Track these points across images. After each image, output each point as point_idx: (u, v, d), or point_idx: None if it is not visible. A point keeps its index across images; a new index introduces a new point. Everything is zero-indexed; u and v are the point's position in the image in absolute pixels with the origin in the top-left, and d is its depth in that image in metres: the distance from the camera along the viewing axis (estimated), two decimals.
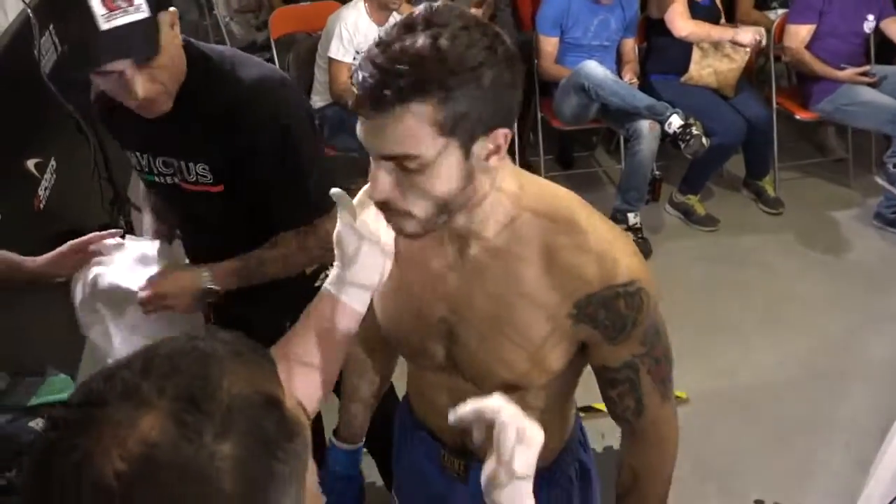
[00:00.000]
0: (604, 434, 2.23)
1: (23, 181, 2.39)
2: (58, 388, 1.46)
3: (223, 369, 0.50)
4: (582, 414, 1.26)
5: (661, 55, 3.37)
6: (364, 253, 0.95)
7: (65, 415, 0.49)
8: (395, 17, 3.17)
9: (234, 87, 1.31)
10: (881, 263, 3.16)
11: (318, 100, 3.14)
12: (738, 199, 3.58)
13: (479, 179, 0.88)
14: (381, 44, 0.80)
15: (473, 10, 3.07)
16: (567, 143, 3.81)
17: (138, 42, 1.17)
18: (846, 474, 2.14)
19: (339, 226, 0.96)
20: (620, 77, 3.24)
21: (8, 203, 2.20)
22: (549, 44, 3.25)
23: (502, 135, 0.86)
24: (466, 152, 0.85)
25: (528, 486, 0.81)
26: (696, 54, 3.28)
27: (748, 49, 3.25)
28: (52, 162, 2.55)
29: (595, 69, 3.04)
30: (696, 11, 3.27)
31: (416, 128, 0.80)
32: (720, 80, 3.29)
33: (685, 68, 3.31)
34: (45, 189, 2.49)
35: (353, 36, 3.01)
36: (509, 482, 0.80)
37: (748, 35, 3.19)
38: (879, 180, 3.32)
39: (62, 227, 2.70)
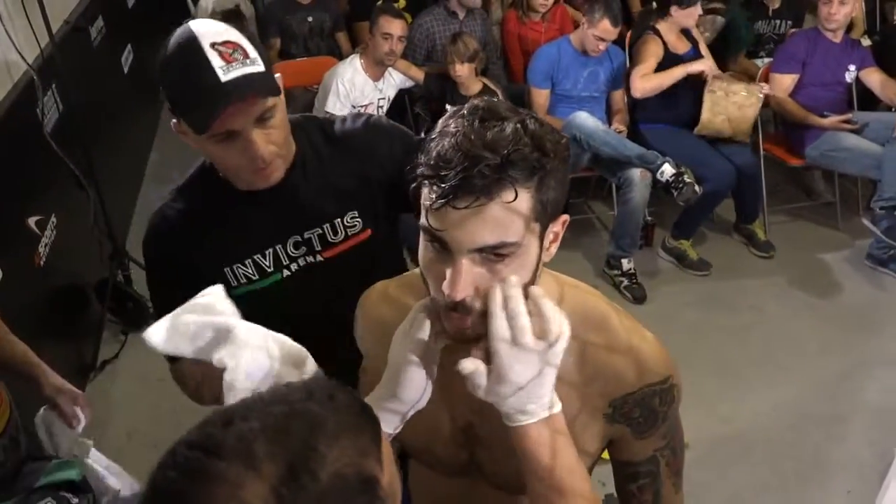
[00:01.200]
0: (604, 482, 2.24)
1: (24, 238, 2.42)
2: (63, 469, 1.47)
3: (330, 442, 0.53)
4: None
5: (650, 105, 3.45)
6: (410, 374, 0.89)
7: (186, 455, 0.52)
8: (389, 73, 3.26)
9: (353, 128, 1.34)
10: (872, 306, 3.20)
11: None
12: (730, 244, 3.63)
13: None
14: (466, 133, 0.77)
15: (466, 65, 3.15)
16: None
17: (259, 85, 1.14)
18: None
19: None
20: (610, 127, 3.32)
21: (9, 260, 2.22)
22: (541, 96, 3.34)
23: (562, 221, 0.86)
24: (542, 238, 0.84)
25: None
26: (707, 102, 3.32)
27: (761, 95, 3.33)
28: (53, 219, 2.59)
29: (586, 120, 3.12)
30: (674, 62, 3.35)
31: (516, 214, 0.78)
32: (734, 127, 3.33)
33: (674, 117, 3.39)
34: (45, 245, 2.52)
35: (349, 91, 3.09)
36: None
37: (702, 65, 3.29)
38: (866, 222, 3.38)
39: (61, 283, 2.73)
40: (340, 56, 3.59)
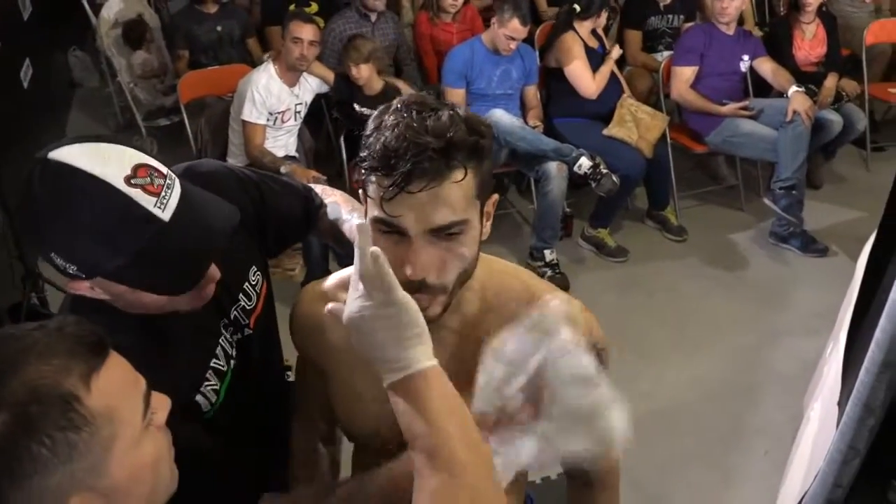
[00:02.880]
0: None
1: None
2: None
3: (29, 360, 0.61)
4: None
5: (562, 100, 3.58)
6: None
7: None
8: (305, 78, 3.25)
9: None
10: (777, 280, 3.41)
11: (233, 161, 3.16)
12: (645, 230, 3.80)
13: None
14: (408, 123, 0.82)
15: (363, 66, 3.18)
16: None
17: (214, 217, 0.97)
18: (766, 477, 2.28)
19: None
20: (526, 122, 3.42)
21: None
22: (457, 95, 3.40)
23: (493, 200, 0.93)
24: (482, 216, 0.91)
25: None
26: (616, 116, 3.49)
27: (667, 117, 3.55)
28: None
29: (502, 117, 3.20)
30: (590, 59, 3.50)
31: (464, 193, 0.85)
32: (640, 144, 3.47)
33: (586, 111, 3.52)
34: None
35: (265, 98, 3.06)
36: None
37: (616, 52, 3.55)
38: (767, 202, 3.59)
39: None
40: (253, 63, 3.55)
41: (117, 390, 0.66)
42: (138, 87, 4.42)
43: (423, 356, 0.80)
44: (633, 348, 2.92)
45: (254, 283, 1.21)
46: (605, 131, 3.45)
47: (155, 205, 0.88)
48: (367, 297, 0.81)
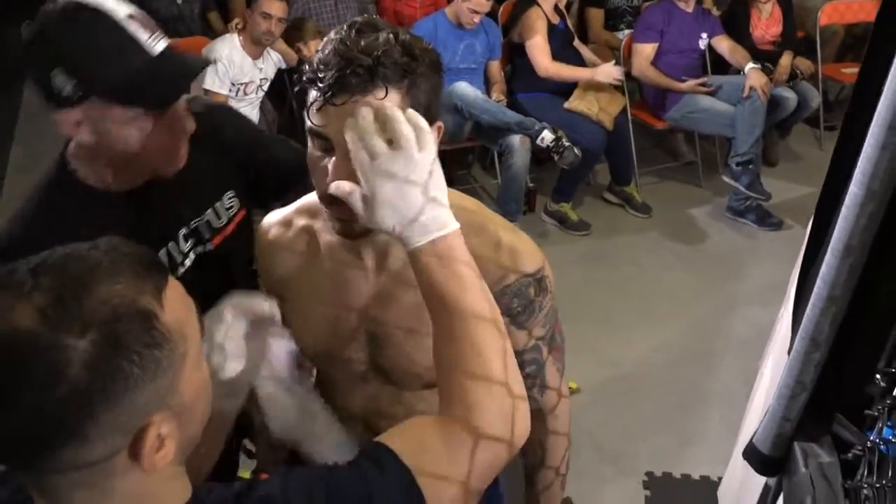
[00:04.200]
0: None
1: None
2: None
3: (101, 278, 0.60)
4: None
5: (526, 75, 3.61)
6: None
7: None
8: (268, 52, 3.23)
9: (200, 112, 1.21)
10: (734, 252, 3.50)
11: None
12: (607, 205, 3.86)
13: None
14: (343, 40, 0.85)
15: (312, 43, 3.18)
16: (444, 162, 3.95)
17: (193, 59, 1.14)
18: (721, 441, 2.36)
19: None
20: (489, 96, 3.44)
21: None
22: None
23: (437, 128, 0.93)
24: None
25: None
26: (577, 90, 3.53)
27: (625, 98, 3.58)
28: None
29: (466, 89, 3.22)
30: (553, 35, 3.54)
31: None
32: (601, 116, 3.50)
33: (549, 86, 3.56)
34: None
35: (228, 69, 3.04)
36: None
37: (606, 75, 3.50)
38: (725, 178, 3.68)
39: None
40: (214, 38, 3.50)
41: (183, 308, 0.66)
42: None
43: (451, 218, 0.83)
44: (598, 318, 2.97)
45: (228, 206, 1.30)
46: (566, 104, 3.49)
47: (149, 38, 1.05)
48: (393, 160, 0.80)
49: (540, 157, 3.60)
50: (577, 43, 3.79)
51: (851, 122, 1.04)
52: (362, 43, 0.85)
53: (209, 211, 1.27)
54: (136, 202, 1.16)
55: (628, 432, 2.50)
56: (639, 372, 2.77)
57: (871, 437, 1.00)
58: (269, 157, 1.37)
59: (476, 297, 0.81)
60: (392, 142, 0.81)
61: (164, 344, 0.61)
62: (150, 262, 0.64)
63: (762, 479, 1.65)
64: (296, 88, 3.58)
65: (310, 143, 0.92)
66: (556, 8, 3.64)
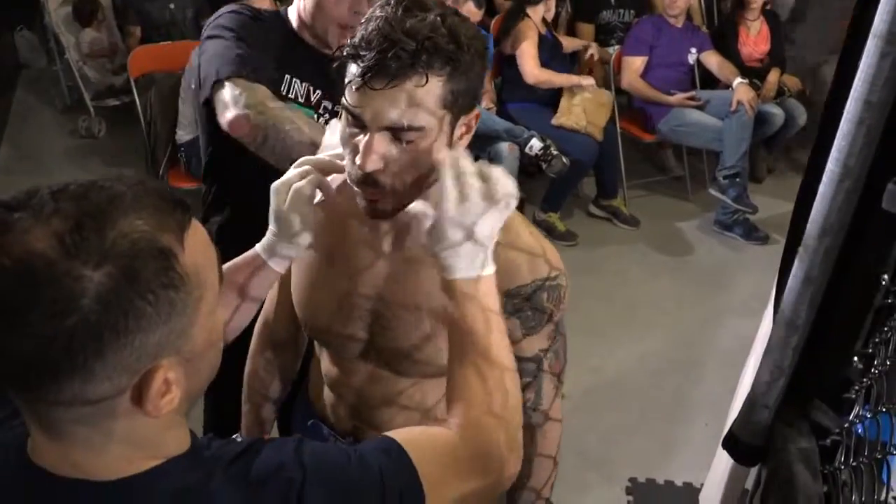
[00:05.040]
0: None
1: None
2: None
3: (123, 211, 0.58)
4: None
5: (516, 86, 3.63)
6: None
7: None
8: None
9: None
10: (721, 265, 3.51)
11: (183, 134, 3.13)
12: (594, 218, 3.87)
13: None
14: (388, 19, 0.83)
15: None
16: None
17: None
18: (705, 448, 2.34)
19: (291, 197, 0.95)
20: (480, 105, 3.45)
21: None
22: None
23: (475, 115, 0.92)
24: (453, 129, 0.89)
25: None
26: (564, 101, 3.54)
27: (611, 94, 3.62)
28: None
29: None
30: (543, 45, 3.56)
31: (426, 99, 0.84)
32: (590, 129, 3.52)
33: (539, 97, 3.58)
34: None
35: None
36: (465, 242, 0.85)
37: (590, 81, 3.54)
38: (713, 191, 3.70)
39: None
40: None
41: (203, 251, 0.64)
42: (87, 65, 4.33)
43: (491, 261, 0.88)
44: (584, 327, 2.95)
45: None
46: (554, 121, 3.50)
47: None
48: (477, 209, 0.84)
49: (530, 170, 3.62)
50: (561, 37, 3.82)
51: (833, 108, 1.05)
52: (408, 24, 0.83)
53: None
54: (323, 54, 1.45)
55: (612, 439, 2.48)
56: (623, 380, 2.76)
57: (849, 419, 1.00)
58: None
59: (501, 343, 0.86)
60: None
61: (180, 286, 0.59)
62: (174, 202, 0.62)
63: (742, 483, 1.64)
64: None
65: (343, 118, 0.90)
66: (544, 20, 3.67)
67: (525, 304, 1.00)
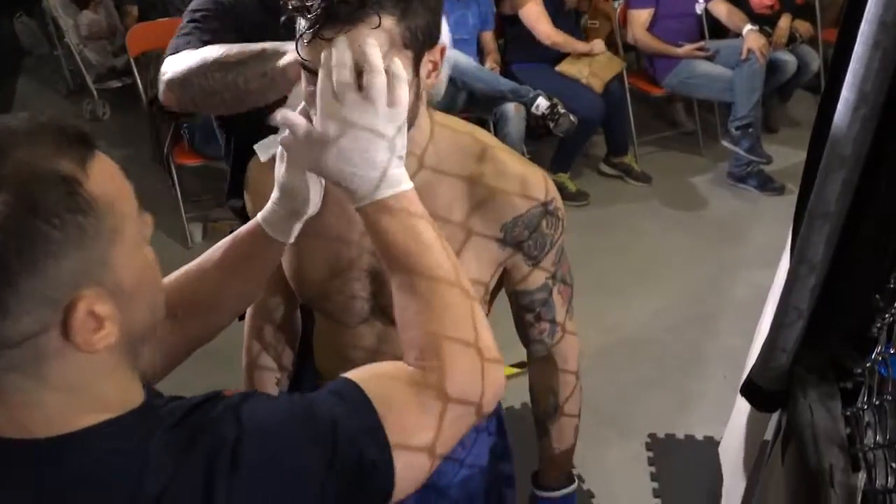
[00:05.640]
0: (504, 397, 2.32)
1: None
2: None
3: (17, 143, 0.57)
4: (517, 370, 1.29)
5: (520, 45, 3.55)
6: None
7: None
8: None
9: None
10: (735, 217, 3.45)
11: None
12: (604, 177, 3.81)
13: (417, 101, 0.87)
14: None
15: None
16: None
17: None
18: (724, 400, 2.32)
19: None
20: (483, 66, 3.39)
21: None
22: None
23: (440, 49, 0.87)
24: (416, 68, 0.84)
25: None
26: (571, 55, 3.48)
27: (623, 62, 3.56)
28: None
29: (459, 58, 3.17)
30: (547, 2, 3.48)
31: (386, 41, 0.78)
32: (591, 80, 3.45)
33: (544, 56, 3.51)
34: None
35: None
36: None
37: (601, 46, 3.49)
38: (725, 143, 3.63)
39: None
40: None
41: (112, 181, 0.62)
42: (87, 48, 4.30)
43: (406, 176, 0.78)
44: (597, 284, 2.92)
45: None
46: (557, 67, 3.45)
47: None
48: (359, 108, 0.75)
49: (538, 132, 3.56)
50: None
51: (847, 31, 1.00)
52: None
53: None
54: None
55: (629, 396, 2.46)
56: (639, 336, 2.73)
57: (871, 358, 0.96)
58: None
59: (438, 258, 0.76)
60: (362, 88, 0.75)
61: (88, 211, 0.58)
62: (75, 135, 0.60)
63: (762, 434, 1.61)
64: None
65: (303, 77, 0.85)
66: None
67: (524, 232, 0.99)
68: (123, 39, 3.90)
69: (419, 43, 0.83)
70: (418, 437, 0.69)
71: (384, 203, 0.76)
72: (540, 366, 1.15)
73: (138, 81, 3.38)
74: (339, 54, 0.76)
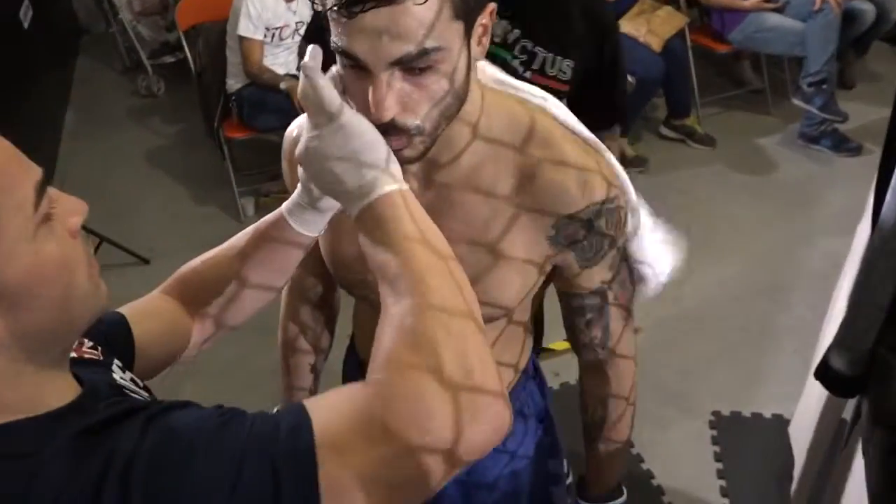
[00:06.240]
0: (558, 372, 2.25)
1: None
2: None
3: None
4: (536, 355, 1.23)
5: None
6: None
7: None
8: None
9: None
10: (808, 181, 3.25)
11: (233, 82, 3.07)
12: (666, 140, 3.63)
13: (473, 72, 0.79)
14: None
15: None
16: None
17: None
18: (794, 376, 2.19)
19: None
20: None
21: None
22: None
23: (490, 9, 0.77)
24: (469, 37, 0.75)
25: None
26: (631, 12, 3.30)
27: (686, 17, 3.37)
28: None
29: None
30: None
31: (434, 15, 0.69)
32: (648, 38, 3.28)
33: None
34: None
35: (261, 13, 2.95)
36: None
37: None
38: (797, 101, 3.40)
39: None
40: None
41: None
42: (141, 23, 4.33)
43: (385, 180, 0.69)
44: None
45: (562, 68, 1.68)
46: None
47: None
48: (313, 127, 0.70)
49: None
50: None
51: None
52: None
53: (551, 55, 1.63)
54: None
55: (692, 372, 2.35)
56: (702, 308, 2.60)
57: None
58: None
59: (437, 283, 0.65)
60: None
61: None
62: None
63: (839, 414, 1.49)
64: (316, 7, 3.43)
65: (339, 63, 0.76)
66: None
67: (580, 232, 0.88)
68: (175, 14, 3.92)
69: (469, 9, 0.74)
70: (356, 461, 0.58)
71: (362, 215, 0.70)
72: (592, 374, 1.06)
73: (188, 55, 3.38)
74: (308, 65, 0.70)
